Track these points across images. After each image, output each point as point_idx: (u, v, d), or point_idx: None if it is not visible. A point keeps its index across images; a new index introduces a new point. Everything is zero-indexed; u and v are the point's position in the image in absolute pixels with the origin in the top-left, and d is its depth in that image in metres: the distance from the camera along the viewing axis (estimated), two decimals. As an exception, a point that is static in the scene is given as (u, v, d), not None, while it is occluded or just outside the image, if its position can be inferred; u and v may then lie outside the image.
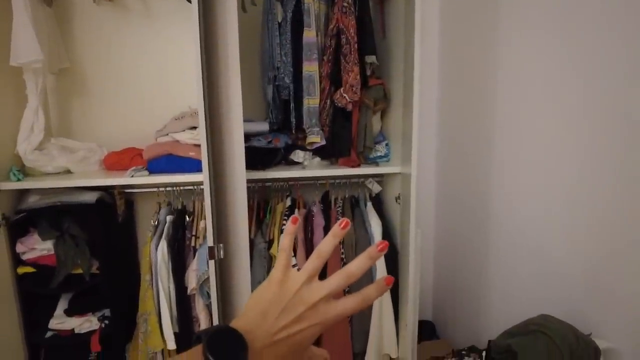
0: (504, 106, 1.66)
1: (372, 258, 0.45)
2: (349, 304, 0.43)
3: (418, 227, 1.48)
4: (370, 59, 1.73)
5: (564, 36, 1.34)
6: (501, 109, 1.68)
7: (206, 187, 1.28)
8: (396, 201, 1.75)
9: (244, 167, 1.36)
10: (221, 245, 1.31)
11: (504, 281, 1.71)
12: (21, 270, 1.62)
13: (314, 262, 0.45)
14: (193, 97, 1.91)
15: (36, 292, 1.64)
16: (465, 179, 1.98)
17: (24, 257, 1.63)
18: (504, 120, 1.67)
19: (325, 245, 0.45)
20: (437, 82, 2.19)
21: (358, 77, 1.65)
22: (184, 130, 1.73)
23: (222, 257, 1.31)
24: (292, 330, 0.41)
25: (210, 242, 1.29)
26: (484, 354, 1.20)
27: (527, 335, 1.05)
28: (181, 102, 1.88)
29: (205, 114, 1.27)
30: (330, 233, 0.46)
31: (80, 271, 1.66)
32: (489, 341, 1.15)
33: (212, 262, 1.31)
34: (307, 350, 0.46)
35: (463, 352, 1.70)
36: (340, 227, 0.46)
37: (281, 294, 0.43)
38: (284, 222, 1.76)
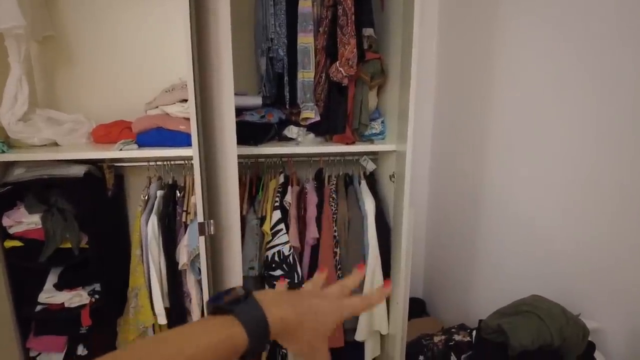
0: (502, 86, 1.62)
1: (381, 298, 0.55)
2: (356, 300, 0.50)
3: (412, 206, 1.46)
4: (368, 31, 1.67)
5: (565, 14, 1.29)
6: (499, 89, 1.64)
7: (196, 162, 1.24)
8: (390, 179, 1.72)
9: (235, 142, 1.32)
10: (211, 221, 1.28)
11: (496, 261, 1.71)
12: (8, 244, 1.59)
13: (338, 287, 0.52)
14: (183, 69, 1.86)
15: (25, 266, 1.62)
16: (459, 157, 1.96)
17: (11, 231, 1.60)
18: (501, 99, 1.63)
19: (349, 282, 0.53)
20: (435, 58, 2.14)
21: (355, 50, 1.59)
22: (174, 103, 1.68)
23: (212, 233, 1.29)
24: (302, 298, 0.47)
25: (200, 218, 1.27)
26: (474, 333, 1.21)
27: (518, 315, 1.05)
28: (171, 74, 1.82)
29: (195, 87, 1.22)
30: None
31: (69, 245, 1.64)
32: (480, 320, 1.15)
33: (202, 239, 1.29)
34: (321, 352, 0.49)
35: (453, 330, 1.72)
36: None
37: (291, 291, 0.50)
38: (277, 198, 1.74)
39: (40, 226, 1.61)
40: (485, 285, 1.80)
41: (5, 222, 1.58)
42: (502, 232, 1.64)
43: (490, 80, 1.69)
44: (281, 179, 1.84)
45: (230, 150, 1.30)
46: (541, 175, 1.43)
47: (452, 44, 2.02)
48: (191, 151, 1.53)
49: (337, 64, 1.61)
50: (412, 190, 1.55)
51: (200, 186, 1.23)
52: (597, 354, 1.08)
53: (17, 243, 1.61)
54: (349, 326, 1.77)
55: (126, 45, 1.85)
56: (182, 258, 1.65)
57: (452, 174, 2.03)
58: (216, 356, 0.38)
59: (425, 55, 2.09)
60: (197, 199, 1.23)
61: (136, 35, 1.85)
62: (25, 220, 1.61)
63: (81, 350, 1.76)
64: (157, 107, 1.71)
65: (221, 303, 0.41)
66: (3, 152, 1.53)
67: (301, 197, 1.84)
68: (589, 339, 1.06)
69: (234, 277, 1.40)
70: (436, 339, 1.70)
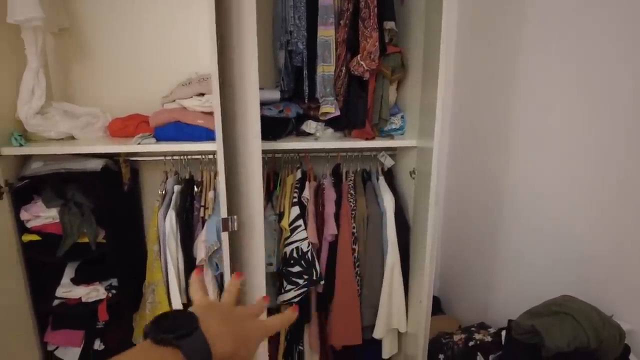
0: (527, 80, 1.58)
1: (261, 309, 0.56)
2: (274, 321, 0.54)
3: (436, 204, 1.43)
4: (389, 25, 1.64)
5: (594, 7, 1.25)
6: (522, 82, 1.61)
7: (220, 157, 1.21)
8: (411, 176, 1.70)
9: (259, 137, 1.29)
10: (235, 217, 1.26)
11: (518, 260, 1.69)
12: (26, 238, 1.58)
13: (228, 297, 0.55)
14: (200, 63, 1.84)
15: (42, 260, 1.61)
16: (480, 154, 1.92)
17: (29, 225, 1.59)
18: (526, 94, 1.60)
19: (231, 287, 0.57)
20: (454, 52, 2.10)
21: (377, 43, 1.55)
22: (191, 97, 1.66)
23: (235, 229, 1.27)
24: (240, 321, 0.48)
25: (224, 213, 1.24)
26: (502, 332, 1.19)
27: (551, 316, 1.03)
28: (187, 67, 1.80)
29: (218, 80, 1.19)
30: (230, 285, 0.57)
31: (86, 240, 1.62)
32: (510, 321, 1.13)
33: (225, 234, 1.27)
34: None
35: (472, 329, 1.70)
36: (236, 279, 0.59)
37: (217, 303, 0.52)
38: (295, 194, 1.72)
39: (57, 220, 1.60)
40: (505, 285, 1.77)
41: (23, 216, 1.57)
42: (526, 231, 1.61)
43: (514, 74, 1.65)
44: (298, 174, 1.82)
45: (254, 146, 1.28)
46: (570, 174, 1.39)
47: (472, 35, 1.97)
48: (210, 145, 1.51)
49: (359, 58, 1.58)
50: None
51: (224, 182, 1.21)
52: (631, 357, 1.05)
53: (35, 237, 1.59)
54: (367, 323, 1.75)
55: (141, 38, 1.83)
56: (200, 254, 1.63)
57: (472, 170, 2.00)
58: None
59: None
60: (220, 194, 1.21)
61: (151, 28, 1.82)
62: (42, 215, 1.59)
63: (98, 345, 1.75)
64: (173, 100, 1.69)
65: (167, 335, 0.40)
66: (21, 145, 1.51)
67: (319, 193, 1.82)
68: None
69: (256, 274, 1.38)
70: (456, 337, 1.68)
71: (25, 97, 1.56)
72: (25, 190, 1.59)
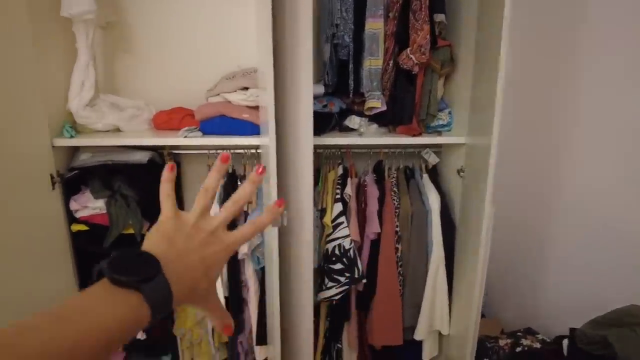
0: (584, 78, 1.50)
1: (254, 182, 0.51)
2: (245, 229, 0.49)
3: (491, 203, 1.38)
4: (439, 17, 1.59)
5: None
6: (580, 81, 1.52)
7: (272, 153, 1.19)
8: (458, 174, 1.64)
9: (312, 133, 1.27)
10: (285, 212, 1.25)
11: (569, 262, 1.61)
12: (75, 227, 1.61)
13: (203, 199, 0.49)
14: (243, 56, 1.83)
15: (89, 250, 1.64)
16: (531, 149, 1.84)
17: (77, 215, 1.62)
18: (583, 90, 1.52)
19: (210, 181, 0.49)
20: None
21: (428, 36, 1.51)
22: (235, 91, 1.65)
23: (285, 224, 1.26)
24: (199, 253, 0.45)
25: (273, 209, 1.23)
26: (564, 342, 1.13)
27: (623, 327, 0.97)
28: (230, 61, 1.79)
29: (273, 74, 1.16)
30: (214, 171, 0.50)
31: (131, 231, 1.64)
32: (572, 329, 1.07)
33: (275, 229, 1.26)
34: (213, 300, 0.48)
35: (519, 334, 1.64)
36: (256, 173, 0.51)
37: (181, 225, 0.46)
38: (338, 190, 1.69)
39: (104, 211, 1.62)
40: (555, 289, 1.70)
41: (72, 206, 1.60)
42: (583, 235, 1.54)
43: (573, 73, 1.57)
44: (340, 170, 1.79)
45: (305, 142, 1.26)
46: (633, 175, 1.32)
47: (525, 27, 1.89)
48: (255, 140, 1.50)
49: (408, 51, 1.53)
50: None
51: (276, 176, 1.19)
52: None
53: (83, 227, 1.62)
54: (408, 324, 1.72)
55: (185, 31, 1.82)
56: (243, 247, 1.63)
57: (521, 167, 1.91)
58: (114, 338, 0.36)
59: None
60: (272, 190, 1.20)
61: (196, 21, 1.81)
62: (90, 205, 1.62)
63: (140, 335, 1.78)
64: (218, 94, 1.69)
65: (130, 278, 0.38)
66: (72, 136, 1.54)
67: (360, 189, 1.79)
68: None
69: (306, 270, 1.37)
70: (501, 342, 1.63)
71: (76, 90, 1.59)
72: (75, 180, 1.62)
